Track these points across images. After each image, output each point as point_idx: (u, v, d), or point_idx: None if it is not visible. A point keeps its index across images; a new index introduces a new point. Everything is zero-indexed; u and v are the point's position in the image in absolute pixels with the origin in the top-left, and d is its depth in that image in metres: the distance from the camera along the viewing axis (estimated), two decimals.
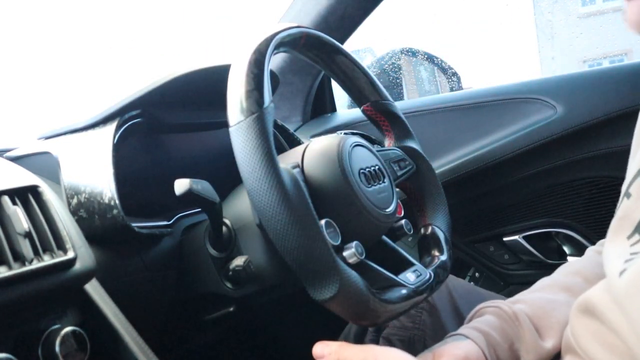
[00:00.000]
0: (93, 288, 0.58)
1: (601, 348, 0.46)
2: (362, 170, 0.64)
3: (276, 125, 0.97)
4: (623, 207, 0.49)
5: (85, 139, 0.71)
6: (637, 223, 0.45)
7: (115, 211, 0.65)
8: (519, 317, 0.59)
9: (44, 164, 0.72)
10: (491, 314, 0.61)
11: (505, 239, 1.22)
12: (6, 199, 0.52)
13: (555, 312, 0.60)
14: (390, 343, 0.75)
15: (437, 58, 1.71)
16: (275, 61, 1.26)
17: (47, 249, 0.52)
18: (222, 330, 0.88)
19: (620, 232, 0.48)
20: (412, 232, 0.77)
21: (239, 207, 0.68)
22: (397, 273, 0.63)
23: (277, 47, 0.60)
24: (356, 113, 1.29)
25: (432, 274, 0.67)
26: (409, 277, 0.65)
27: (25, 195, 0.54)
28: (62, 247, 0.53)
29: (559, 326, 0.59)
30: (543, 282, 0.66)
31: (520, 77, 1.22)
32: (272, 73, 0.75)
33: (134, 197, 0.72)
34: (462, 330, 0.59)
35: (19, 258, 0.49)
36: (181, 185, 0.60)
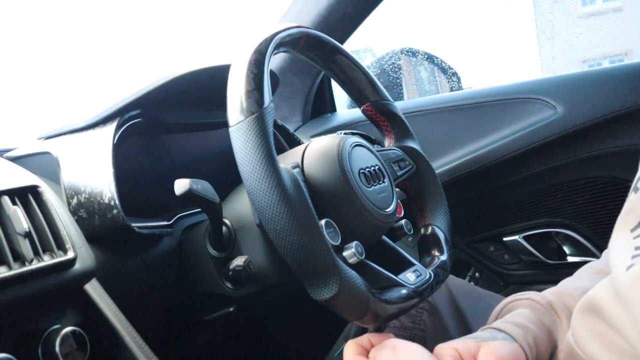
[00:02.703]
0: (93, 288, 0.58)
1: (600, 347, 0.46)
2: (362, 170, 0.64)
3: (276, 125, 0.97)
4: (630, 200, 0.49)
5: (85, 139, 0.71)
6: None
7: (115, 211, 0.65)
8: (553, 306, 0.59)
9: (44, 164, 0.72)
10: (524, 306, 0.61)
11: (505, 239, 1.22)
12: (6, 199, 0.52)
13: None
14: None
15: (437, 58, 1.71)
16: (275, 61, 1.26)
17: (47, 249, 0.52)
18: (222, 330, 0.88)
19: (624, 225, 0.48)
20: (412, 232, 0.77)
21: (239, 207, 0.68)
22: (397, 273, 0.63)
23: (277, 47, 0.60)
24: (356, 113, 1.29)
25: (432, 274, 0.67)
26: (409, 277, 0.65)
27: (25, 195, 0.54)
28: (62, 247, 0.53)
29: None
30: (562, 283, 0.66)
31: (520, 77, 1.22)
32: (272, 73, 0.75)
33: (134, 197, 0.72)
34: (500, 325, 0.58)
35: (19, 258, 0.49)
36: (181, 185, 0.60)
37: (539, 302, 0.61)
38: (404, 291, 0.60)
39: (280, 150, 0.95)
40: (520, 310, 0.61)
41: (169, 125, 0.80)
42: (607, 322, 0.45)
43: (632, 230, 0.46)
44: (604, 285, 0.48)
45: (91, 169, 0.68)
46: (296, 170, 0.59)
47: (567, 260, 1.18)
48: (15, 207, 0.52)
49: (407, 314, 0.76)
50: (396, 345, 0.54)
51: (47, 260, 0.51)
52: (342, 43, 0.79)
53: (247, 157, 0.52)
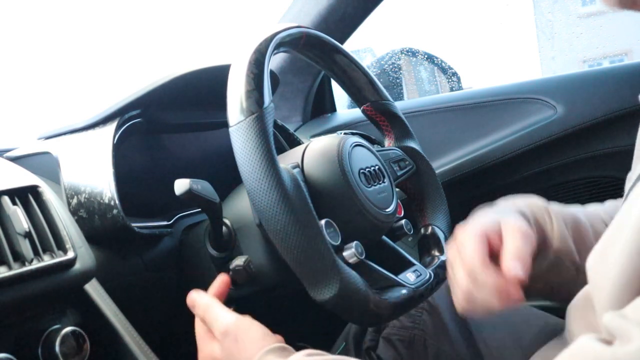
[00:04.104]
0: (93, 288, 0.58)
1: None
2: (362, 170, 0.64)
3: (276, 125, 0.97)
4: None
5: (85, 139, 0.71)
6: None
7: (115, 211, 0.65)
8: (548, 210, 0.59)
9: (44, 164, 0.72)
10: (522, 204, 0.61)
11: None
12: (6, 199, 0.52)
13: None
14: (390, 343, 0.75)
15: (437, 58, 1.71)
16: (275, 61, 1.26)
17: (47, 249, 0.52)
18: None
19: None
20: (412, 232, 0.77)
21: (239, 207, 0.68)
22: (397, 273, 0.63)
23: (277, 47, 0.60)
24: (356, 113, 1.28)
25: (432, 274, 0.67)
26: (409, 277, 0.65)
27: (25, 195, 0.54)
28: (62, 247, 0.53)
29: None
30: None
31: (520, 77, 1.22)
32: (272, 73, 0.75)
33: (134, 197, 0.72)
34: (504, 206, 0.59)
35: (19, 258, 0.50)
36: (181, 185, 0.60)
37: (535, 202, 0.61)
38: (404, 291, 0.60)
39: (280, 150, 0.95)
40: (518, 201, 0.61)
41: (169, 125, 0.80)
42: (598, 317, 0.45)
43: None
44: None
45: (91, 169, 0.68)
46: (296, 170, 0.59)
47: None
48: (15, 207, 0.52)
49: (407, 314, 0.76)
50: (238, 336, 0.52)
51: (47, 260, 0.51)
52: (342, 43, 0.79)
53: (247, 157, 0.52)
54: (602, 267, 0.37)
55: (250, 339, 0.51)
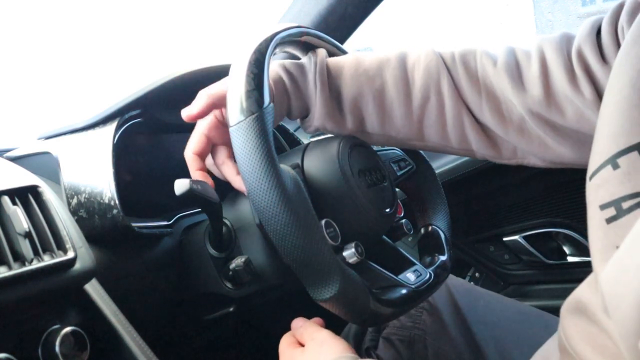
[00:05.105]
0: (93, 288, 0.58)
1: (592, 350, 0.45)
2: (362, 170, 0.64)
3: (276, 125, 0.97)
4: (603, 176, 0.44)
5: (85, 139, 0.71)
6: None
7: (115, 211, 0.65)
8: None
9: (44, 164, 0.72)
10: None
11: (505, 239, 1.22)
12: (6, 199, 0.52)
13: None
14: (390, 343, 0.75)
15: None
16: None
17: (47, 249, 0.52)
18: (222, 330, 0.88)
19: (595, 200, 0.44)
20: (412, 232, 0.77)
21: (239, 207, 0.68)
22: (397, 273, 0.63)
23: (277, 47, 0.60)
24: None
25: (432, 274, 0.67)
26: (409, 277, 0.65)
27: (25, 195, 0.54)
28: (62, 247, 0.53)
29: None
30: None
31: None
32: None
33: (134, 197, 0.72)
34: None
35: (19, 258, 0.49)
36: (181, 185, 0.60)
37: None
38: (404, 291, 0.60)
39: (280, 150, 0.95)
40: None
41: (169, 125, 0.80)
42: (597, 325, 0.44)
43: (602, 207, 0.42)
44: (590, 284, 0.47)
45: (91, 169, 0.68)
46: (296, 170, 0.59)
47: (567, 260, 1.18)
48: (15, 207, 0.52)
49: (407, 314, 0.76)
50: (324, 342, 0.56)
51: (47, 260, 0.51)
52: (342, 43, 0.79)
53: (247, 157, 0.52)
54: (623, 279, 0.36)
55: (332, 346, 0.56)
